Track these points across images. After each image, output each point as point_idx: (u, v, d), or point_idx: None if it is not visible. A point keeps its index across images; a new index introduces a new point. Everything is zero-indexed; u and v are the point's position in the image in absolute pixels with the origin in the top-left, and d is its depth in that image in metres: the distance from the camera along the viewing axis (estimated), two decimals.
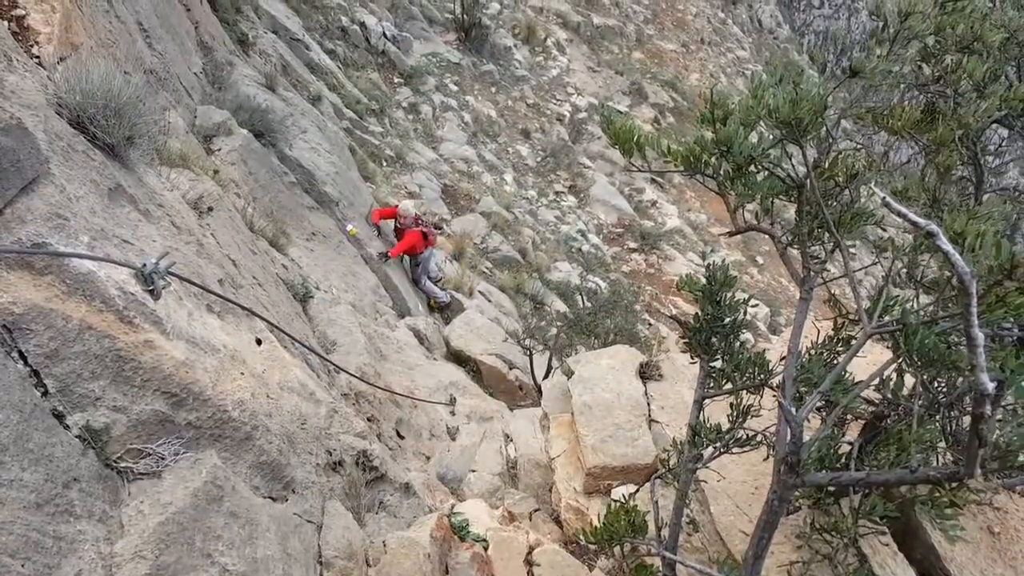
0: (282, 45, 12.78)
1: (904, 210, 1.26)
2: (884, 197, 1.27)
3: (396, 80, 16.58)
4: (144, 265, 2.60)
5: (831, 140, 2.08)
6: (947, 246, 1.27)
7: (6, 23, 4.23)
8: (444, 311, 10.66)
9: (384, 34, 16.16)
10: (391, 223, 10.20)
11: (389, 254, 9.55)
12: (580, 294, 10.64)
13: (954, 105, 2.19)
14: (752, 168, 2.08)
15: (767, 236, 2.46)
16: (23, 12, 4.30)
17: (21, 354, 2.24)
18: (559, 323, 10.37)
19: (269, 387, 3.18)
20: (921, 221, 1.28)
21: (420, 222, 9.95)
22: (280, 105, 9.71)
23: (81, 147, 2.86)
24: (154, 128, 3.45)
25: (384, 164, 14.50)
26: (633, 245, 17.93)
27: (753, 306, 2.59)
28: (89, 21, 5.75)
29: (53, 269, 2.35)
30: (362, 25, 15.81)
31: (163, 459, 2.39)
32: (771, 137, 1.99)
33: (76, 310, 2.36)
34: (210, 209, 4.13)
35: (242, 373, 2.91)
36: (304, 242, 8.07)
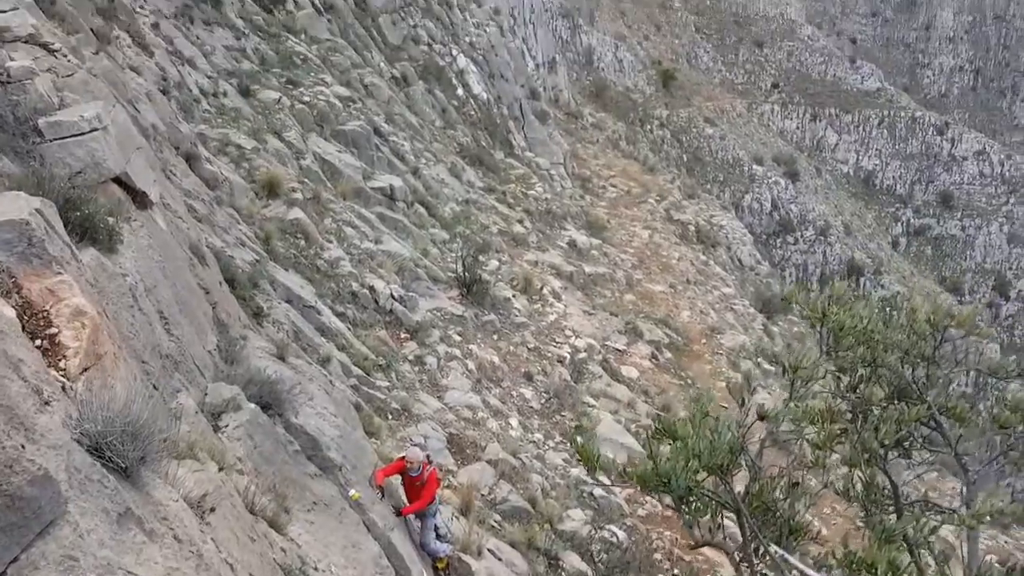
0: (295, 313, 13.63)
1: (806, 570, 1.37)
2: (785, 556, 1.39)
3: (403, 335, 17.37)
4: None
5: (757, 469, 2.26)
6: None
7: (40, 341, 4.64)
8: (450, 573, 10.16)
9: (392, 295, 17.28)
10: (395, 483, 10.10)
11: (403, 512, 9.48)
12: (593, 554, 10.23)
13: (858, 430, 2.41)
14: (692, 496, 2.23)
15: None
16: (56, 330, 4.73)
17: None
18: None
19: None
20: None
21: (431, 462, 9.90)
22: (289, 374, 10.13)
23: (97, 476, 3.03)
24: (165, 441, 3.65)
25: (390, 417, 14.67)
26: None
27: None
28: (113, 319, 6.25)
29: None
30: (371, 288, 16.96)
31: None
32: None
33: None
34: (212, 510, 4.21)
35: None
36: (304, 514, 7.97)
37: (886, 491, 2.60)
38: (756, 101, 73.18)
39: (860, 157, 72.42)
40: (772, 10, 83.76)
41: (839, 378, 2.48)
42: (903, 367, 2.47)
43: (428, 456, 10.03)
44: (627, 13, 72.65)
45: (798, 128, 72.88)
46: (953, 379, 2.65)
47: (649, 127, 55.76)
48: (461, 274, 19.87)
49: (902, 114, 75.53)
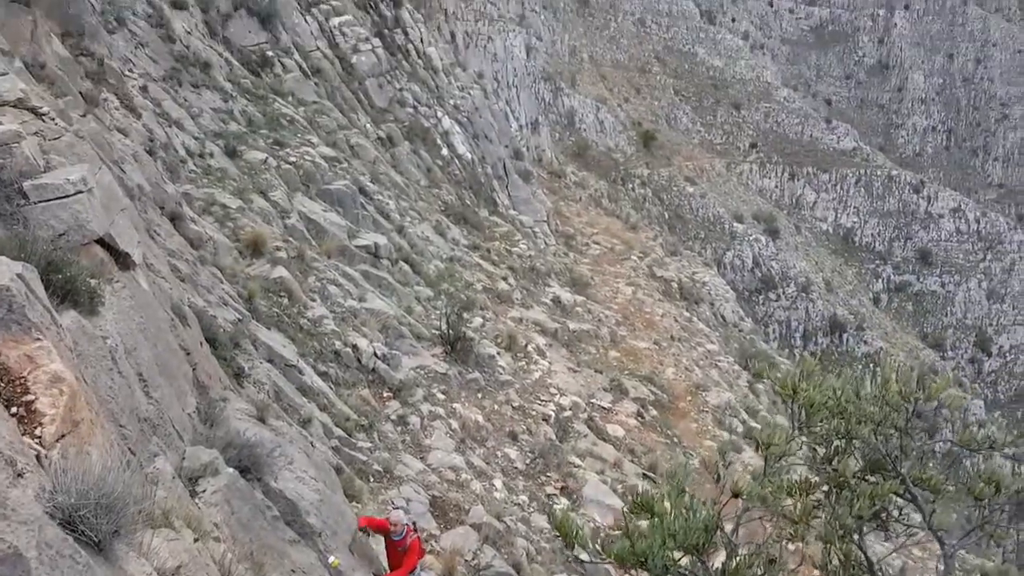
0: (276, 372, 13.48)
1: None
2: None
3: (386, 394, 17.19)
4: None
5: (733, 546, 2.27)
6: None
7: (16, 408, 4.56)
8: None
9: (375, 353, 17.16)
10: (377, 548, 9.87)
11: None
12: None
13: (832, 505, 2.43)
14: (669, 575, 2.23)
15: None
16: (33, 397, 4.66)
17: None
18: None
19: None
20: None
21: (415, 530, 9.66)
22: (269, 436, 9.96)
23: (68, 551, 2.96)
24: (140, 512, 3.58)
25: (371, 480, 14.40)
26: None
27: None
28: (92, 383, 6.17)
29: None
30: (354, 347, 16.86)
31: None
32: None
33: None
34: None
35: None
36: None
37: (864, 566, 2.60)
38: (735, 160, 74.99)
39: (839, 215, 74.02)
40: (748, 73, 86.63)
41: (815, 450, 2.50)
42: (876, 439, 2.50)
43: (414, 523, 9.83)
44: (607, 77, 74.85)
45: (777, 187, 74.56)
46: (930, 448, 2.68)
47: (631, 186, 56.85)
48: (445, 331, 19.82)
49: (878, 173, 77.61)
